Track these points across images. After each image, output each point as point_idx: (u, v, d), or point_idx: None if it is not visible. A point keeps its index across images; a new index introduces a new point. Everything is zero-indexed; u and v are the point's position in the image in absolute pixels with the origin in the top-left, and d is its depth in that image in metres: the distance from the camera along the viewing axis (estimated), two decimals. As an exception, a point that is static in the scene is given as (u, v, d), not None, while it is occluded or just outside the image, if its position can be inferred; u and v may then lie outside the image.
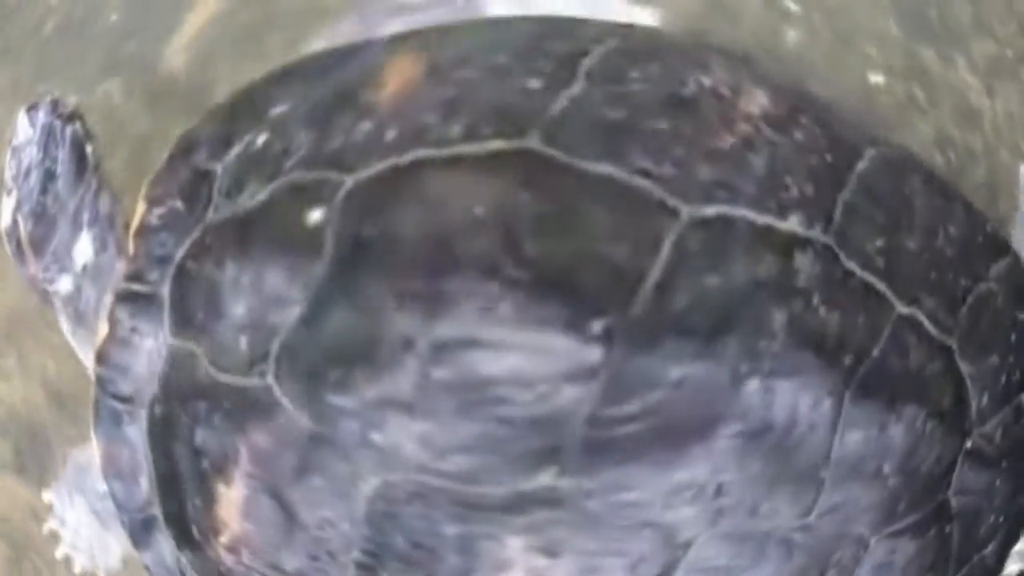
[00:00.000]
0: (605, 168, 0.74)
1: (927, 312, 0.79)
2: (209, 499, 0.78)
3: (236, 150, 0.84)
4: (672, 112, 0.77)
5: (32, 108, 0.95)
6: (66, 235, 0.93)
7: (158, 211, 0.85)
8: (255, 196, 0.80)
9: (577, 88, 0.78)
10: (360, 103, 0.80)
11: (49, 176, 0.93)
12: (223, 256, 0.78)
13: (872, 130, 0.87)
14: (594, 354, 0.69)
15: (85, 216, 0.93)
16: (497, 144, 0.75)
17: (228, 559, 0.79)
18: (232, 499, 0.77)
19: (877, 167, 0.82)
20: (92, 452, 0.88)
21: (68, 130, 0.93)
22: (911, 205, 0.82)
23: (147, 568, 0.86)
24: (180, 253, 0.82)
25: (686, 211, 0.73)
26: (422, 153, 0.75)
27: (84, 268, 0.92)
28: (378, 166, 0.76)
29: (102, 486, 0.87)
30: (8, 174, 0.95)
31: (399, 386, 0.71)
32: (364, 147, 0.77)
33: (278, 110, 0.84)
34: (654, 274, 0.71)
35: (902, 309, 0.78)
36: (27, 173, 0.93)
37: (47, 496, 1.03)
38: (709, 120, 0.78)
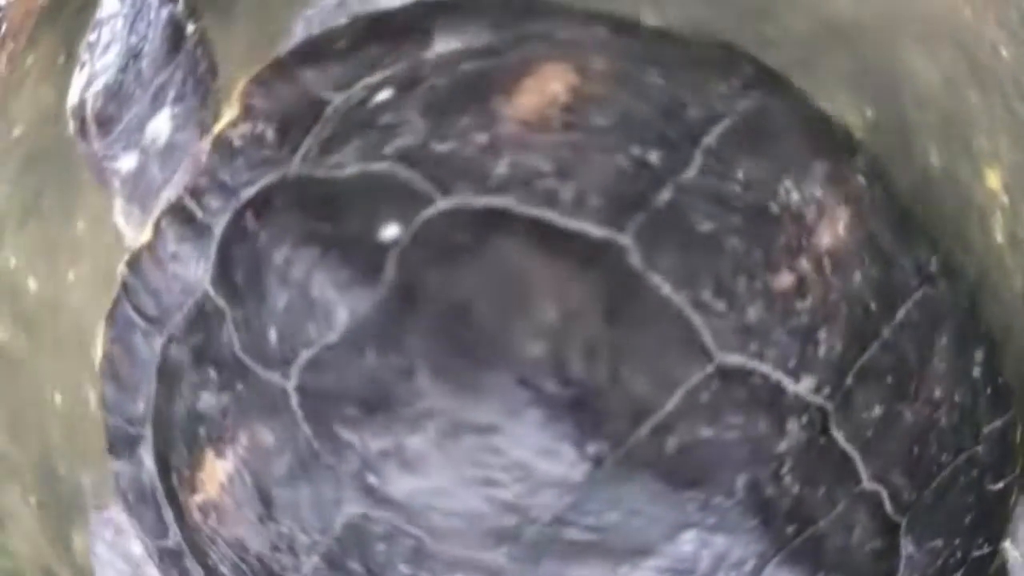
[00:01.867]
0: (673, 294, 0.74)
1: (892, 489, 0.81)
2: (197, 459, 0.80)
3: (358, 88, 0.79)
4: (753, 232, 0.77)
5: None
6: (143, 111, 0.90)
7: (245, 128, 0.81)
8: (344, 167, 0.76)
9: (689, 174, 0.77)
10: (489, 105, 0.77)
11: (132, 53, 0.89)
12: (284, 233, 0.75)
13: (929, 245, 0.85)
14: (580, 470, 0.73)
15: (170, 94, 0.90)
16: (594, 230, 0.74)
17: (196, 516, 0.82)
18: (218, 470, 0.79)
19: (915, 318, 0.82)
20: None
21: (164, 10, 0.89)
22: (928, 369, 0.83)
23: (115, 475, 0.87)
24: (247, 194, 0.78)
25: (717, 359, 0.75)
26: (521, 208, 0.73)
27: (155, 145, 0.89)
28: (472, 200, 0.73)
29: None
30: (83, 48, 0.91)
31: (410, 445, 0.73)
32: (468, 166, 0.74)
33: (422, 56, 0.80)
34: (660, 415, 0.74)
35: (867, 485, 0.80)
36: (106, 48, 0.90)
37: None
38: (778, 248, 0.77)
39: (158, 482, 0.84)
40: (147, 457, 0.84)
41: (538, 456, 0.73)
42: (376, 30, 0.83)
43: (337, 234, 0.74)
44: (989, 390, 0.86)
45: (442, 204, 0.73)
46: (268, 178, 0.78)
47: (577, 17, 0.85)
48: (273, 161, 0.78)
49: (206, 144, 0.82)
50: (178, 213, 0.81)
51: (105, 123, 0.90)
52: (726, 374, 0.75)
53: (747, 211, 0.77)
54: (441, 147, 0.75)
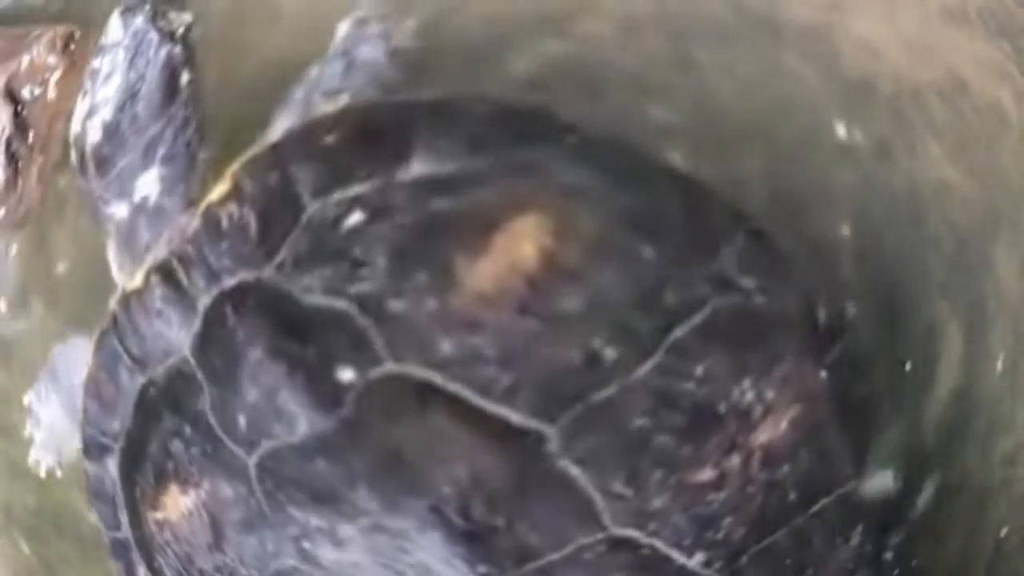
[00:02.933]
0: (581, 478, 0.79)
1: None
2: (162, 485, 0.89)
3: (332, 201, 0.81)
4: (689, 431, 0.79)
5: (128, 10, 0.89)
6: (135, 163, 0.88)
7: (231, 209, 0.83)
8: (312, 293, 0.80)
9: (643, 371, 0.78)
10: (449, 263, 0.78)
11: (131, 94, 0.87)
12: (257, 337, 0.81)
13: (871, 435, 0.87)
14: None
15: (160, 151, 0.88)
16: (517, 418, 0.78)
17: (152, 526, 0.91)
18: (179, 501, 0.88)
19: (835, 510, 0.85)
20: (74, 350, 0.97)
21: (163, 50, 0.87)
22: (834, 553, 0.85)
23: (86, 474, 0.95)
24: (228, 283, 0.83)
25: (610, 531, 0.80)
26: (453, 387, 0.78)
27: (144, 203, 0.89)
28: (414, 370, 0.78)
29: (77, 379, 0.96)
30: (87, 74, 0.89)
31: (341, 529, 0.83)
32: (417, 335, 0.78)
33: (396, 178, 0.79)
34: (544, 560, 0.80)
35: None
36: (107, 79, 0.88)
37: (27, 399, 1.05)
38: (710, 446, 0.80)
39: (119, 488, 0.94)
40: (112, 465, 0.94)
41: (437, 562, 0.82)
42: (363, 128, 0.83)
43: (302, 358, 0.81)
44: (897, 571, 0.89)
45: (389, 367, 0.79)
46: (246, 274, 0.82)
47: (572, 144, 0.82)
48: (251, 260, 0.82)
49: (194, 217, 0.85)
50: (166, 275, 0.86)
51: (102, 163, 0.89)
52: (616, 542, 0.81)
53: (691, 410, 0.79)
54: (396, 305, 0.78)
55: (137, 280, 0.88)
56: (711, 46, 0.97)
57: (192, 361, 0.85)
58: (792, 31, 0.99)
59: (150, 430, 0.90)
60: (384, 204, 0.80)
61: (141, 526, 0.93)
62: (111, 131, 0.88)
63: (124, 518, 0.94)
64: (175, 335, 0.86)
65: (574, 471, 0.80)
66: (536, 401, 0.78)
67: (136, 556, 0.94)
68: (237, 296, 0.83)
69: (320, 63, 0.91)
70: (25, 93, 1.03)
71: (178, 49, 0.88)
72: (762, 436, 0.81)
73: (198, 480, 0.87)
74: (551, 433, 0.79)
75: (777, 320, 0.82)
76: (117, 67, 0.88)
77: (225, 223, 0.83)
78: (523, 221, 0.78)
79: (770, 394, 0.81)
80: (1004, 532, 0.98)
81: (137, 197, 0.89)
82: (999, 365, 0.98)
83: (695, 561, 0.82)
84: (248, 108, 0.94)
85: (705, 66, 0.97)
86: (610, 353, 0.78)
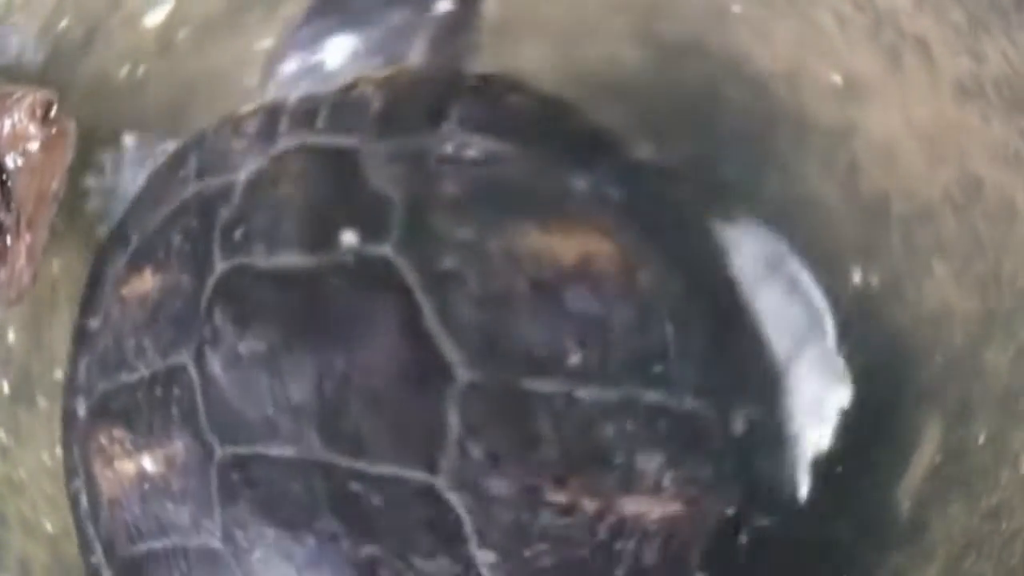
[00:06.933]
0: None
1: None
2: (138, 268, 0.92)
3: (472, 142, 0.86)
4: None
5: None
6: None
7: (367, 91, 0.89)
8: (380, 171, 0.85)
9: None
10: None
11: None
12: (303, 177, 0.86)
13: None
14: None
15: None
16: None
17: (116, 302, 0.93)
18: (147, 281, 0.90)
19: None
20: None
21: None
22: None
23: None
24: (319, 141, 0.87)
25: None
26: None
27: (317, 66, 0.93)
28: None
29: None
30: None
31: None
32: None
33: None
34: None
35: None
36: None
37: None
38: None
39: (111, 273, 0.95)
40: (121, 260, 0.95)
41: None
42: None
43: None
44: None
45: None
46: (343, 139, 0.87)
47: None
48: (356, 127, 0.88)
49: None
50: (270, 113, 0.90)
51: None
52: None
53: None
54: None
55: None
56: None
57: (239, 191, 0.88)
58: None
59: (175, 219, 0.92)
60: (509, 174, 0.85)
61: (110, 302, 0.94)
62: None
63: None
64: (241, 158, 0.89)
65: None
66: None
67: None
68: (323, 153, 0.86)
69: None
70: (8, 161, 1.00)
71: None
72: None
73: (170, 268, 0.90)
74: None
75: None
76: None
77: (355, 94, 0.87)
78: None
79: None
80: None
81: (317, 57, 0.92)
82: (982, 438, 1.02)
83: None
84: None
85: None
86: None
